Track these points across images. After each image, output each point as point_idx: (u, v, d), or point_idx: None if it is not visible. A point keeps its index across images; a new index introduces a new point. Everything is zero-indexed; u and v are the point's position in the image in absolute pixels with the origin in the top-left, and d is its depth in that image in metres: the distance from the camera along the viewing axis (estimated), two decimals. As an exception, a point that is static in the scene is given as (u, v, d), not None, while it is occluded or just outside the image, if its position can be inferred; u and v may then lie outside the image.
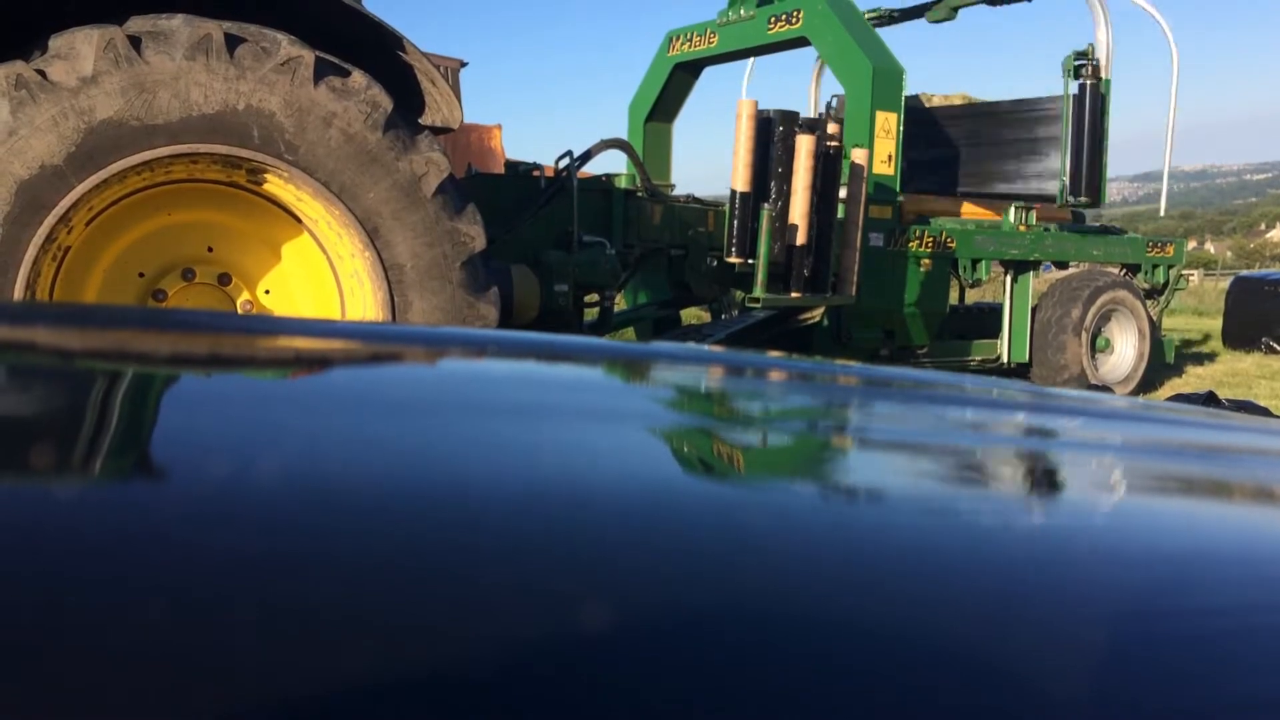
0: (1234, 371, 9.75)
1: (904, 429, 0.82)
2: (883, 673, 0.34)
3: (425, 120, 4.13)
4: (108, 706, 0.27)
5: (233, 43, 3.50)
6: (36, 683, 0.27)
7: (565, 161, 5.77)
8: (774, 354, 1.25)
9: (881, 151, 6.62)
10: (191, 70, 3.44)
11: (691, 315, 8.43)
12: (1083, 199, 7.41)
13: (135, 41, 3.40)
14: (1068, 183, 7.39)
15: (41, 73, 3.33)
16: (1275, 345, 11.23)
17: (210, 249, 3.96)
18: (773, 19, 7.15)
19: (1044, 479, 0.71)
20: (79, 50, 3.37)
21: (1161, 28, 7.66)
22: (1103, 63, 7.30)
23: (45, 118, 3.32)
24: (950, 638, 0.37)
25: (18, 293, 3.35)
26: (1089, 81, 7.26)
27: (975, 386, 1.11)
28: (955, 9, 8.19)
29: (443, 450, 0.56)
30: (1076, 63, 7.31)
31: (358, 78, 3.70)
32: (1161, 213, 9.18)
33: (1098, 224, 9.07)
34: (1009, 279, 7.81)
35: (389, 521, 0.42)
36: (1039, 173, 7.90)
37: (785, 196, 5.68)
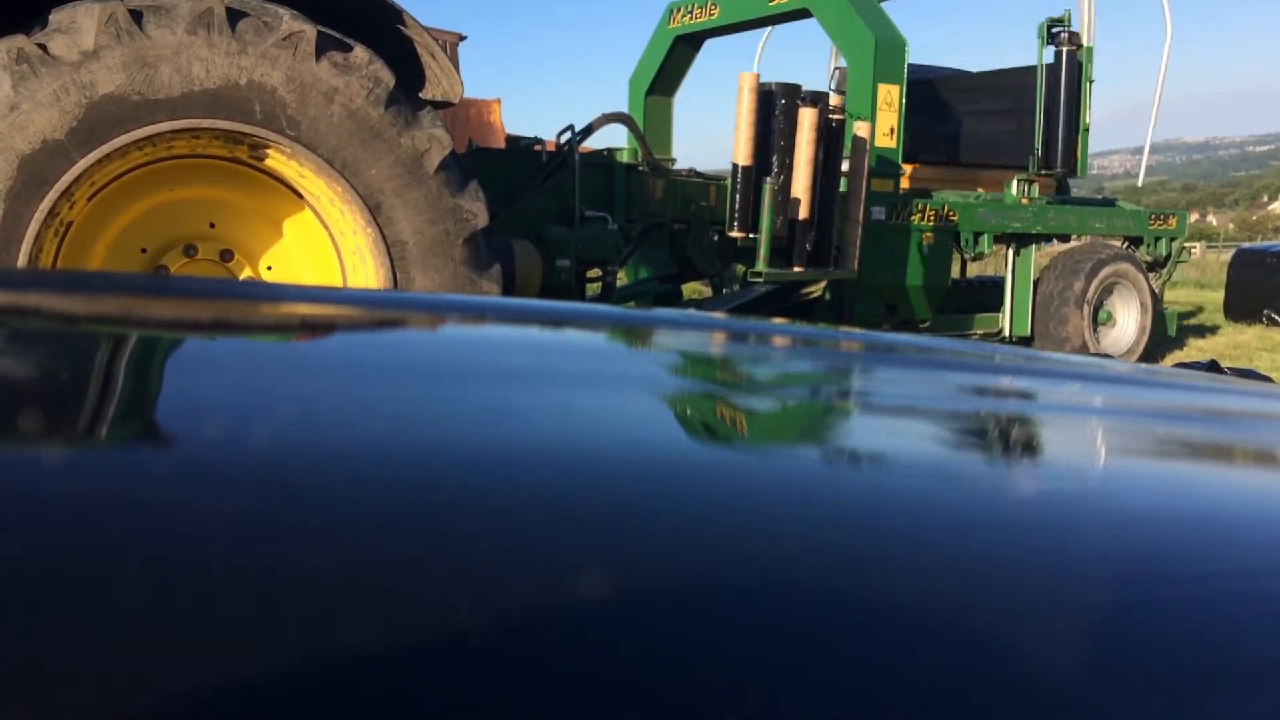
0: (1236, 344, 9.74)
1: (904, 394, 0.82)
2: (879, 635, 0.34)
3: (425, 95, 4.12)
4: (104, 669, 0.27)
5: (234, 17, 3.49)
6: (34, 643, 0.28)
7: (567, 136, 5.75)
8: (777, 321, 1.26)
9: (884, 124, 6.59)
10: (193, 45, 3.43)
11: (693, 290, 8.42)
12: (1058, 170, 7.42)
13: (136, 15, 3.39)
14: (1040, 153, 7.37)
15: (43, 47, 3.32)
16: (1277, 317, 11.21)
17: (212, 225, 3.96)
18: (774, -10, 7.10)
19: (1044, 442, 0.72)
20: (80, 24, 3.36)
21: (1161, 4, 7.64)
22: (1084, 30, 7.29)
23: (47, 92, 3.31)
24: (950, 600, 0.37)
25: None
26: (1065, 49, 7.23)
27: (975, 352, 1.11)
28: None
29: (441, 414, 0.57)
30: (1052, 29, 7.30)
31: (360, 53, 3.68)
32: (1140, 184, 9.22)
33: (1100, 196, 9.06)
34: (1011, 252, 7.80)
35: (387, 487, 0.42)
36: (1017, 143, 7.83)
37: (787, 170, 5.66)
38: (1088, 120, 7.38)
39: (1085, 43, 7.30)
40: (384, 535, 0.37)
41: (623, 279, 6.79)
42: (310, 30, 3.57)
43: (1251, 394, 1.01)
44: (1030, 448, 0.69)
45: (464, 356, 0.79)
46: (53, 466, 0.42)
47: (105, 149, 3.41)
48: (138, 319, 0.84)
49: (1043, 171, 7.46)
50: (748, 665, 0.31)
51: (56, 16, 3.39)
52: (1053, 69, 7.36)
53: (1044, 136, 7.40)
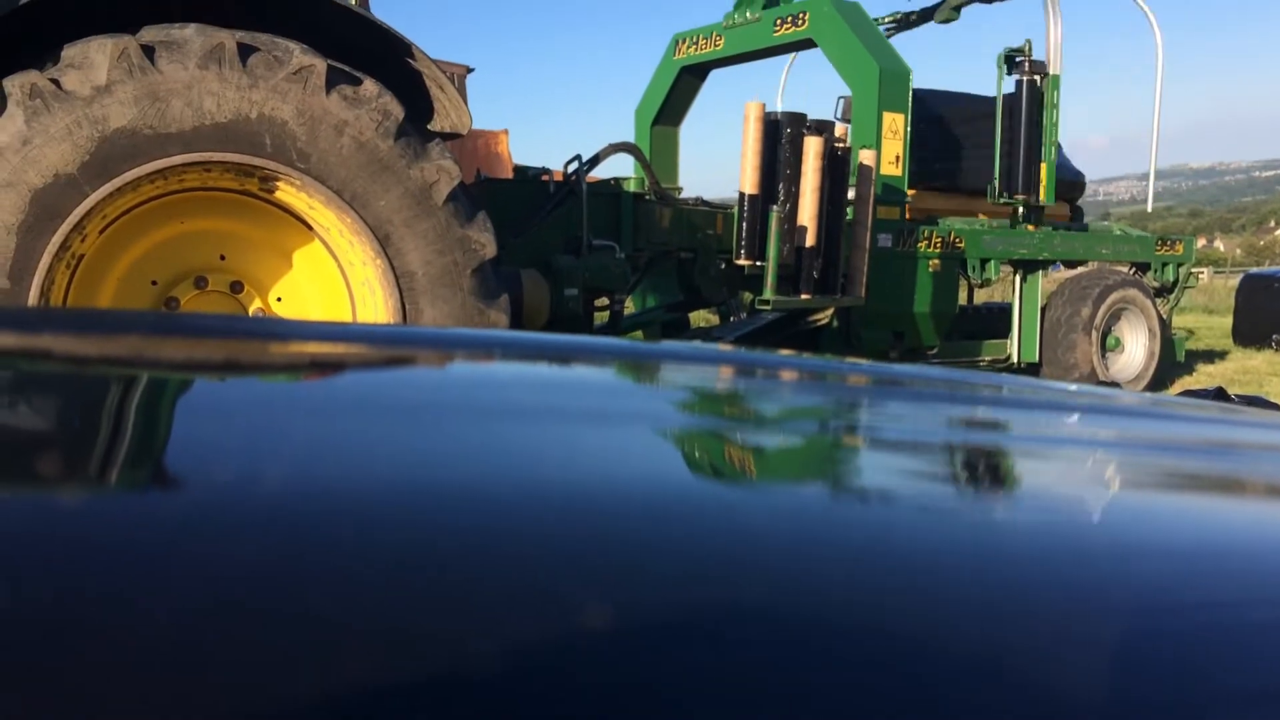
0: (1245, 369, 9.71)
1: (912, 427, 0.83)
2: (893, 667, 0.35)
3: (434, 126, 4.15)
4: (117, 713, 0.27)
5: (245, 52, 3.52)
6: (47, 690, 0.28)
7: (574, 166, 5.79)
8: (784, 352, 1.26)
9: (889, 152, 6.62)
10: (204, 79, 3.47)
11: (700, 318, 8.43)
12: (1019, 197, 7.35)
13: (149, 51, 3.42)
14: (998, 181, 7.36)
15: (56, 82, 3.35)
16: (1286, 343, 11.17)
17: (223, 257, 3.98)
18: (779, 21, 7.15)
19: (1052, 475, 0.72)
20: (93, 60, 3.39)
21: (1152, 29, 7.74)
22: (1051, 58, 7.34)
23: (60, 127, 3.35)
24: (960, 632, 0.38)
25: (32, 300, 3.37)
26: (1026, 77, 7.29)
27: (983, 384, 1.12)
28: (957, 8, 8.24)
29: (451, 453, 0.57)
30: (1013, 58, 7.39)
31: (369, 86, 3.72)
32: (1149, 209, 9.31)
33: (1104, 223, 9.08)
34: (1018, 279, 7.80)
35: (397, 526, 0.42)
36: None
37: (794, 198, 5.68)
38: (1053, 145, 7.38)
39: (1051, 70, 7.33)
40: (391, 574, 0.37)
41: (630, 308, 6.81)
42: (320, 64, 3.60)
43: (1256, 424, 1.01)
44: (1036, 481, 0.70)
45: (472, 394, 0.80)
46: (65, 509, 0.42)
47: (117, 182, 3.44)
48: (148, 360, 0.85)
49: (1003, 199, 7.39)
50: (756, 702, 0.31)
51: (69, 52, 3.43)
52: (1013, 97, 7.38)
53: (1004, 164, 7.36)
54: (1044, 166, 7.35)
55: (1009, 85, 7.43)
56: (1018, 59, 7.34)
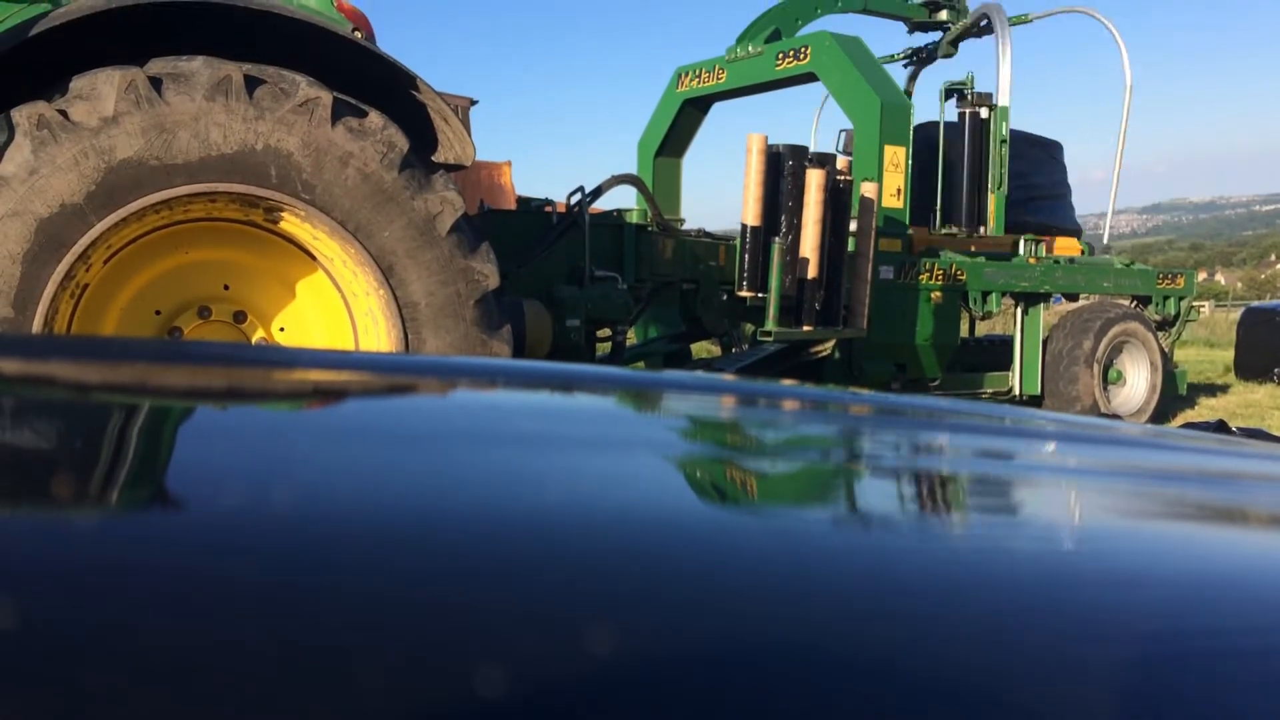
0: (1247, 403, 9.70)
1: (913, 456, 0.83)
2: (890, 693, 0.35)
3: (438, 158, 4.17)
4: None
5: (252, 84, 3.55)
6: (53, 708, 0.28)
7: (577, 197, 5.82)
8: (786, 382, 1.27)
9: (890, 185, 6.66)
10: (211, 111, 3.49)
11: (702, 349, 8.44)
12: (961, 231, 7.52)
13: (156, 82, 3.45)
14: (939, 213, 7.55)
15: (63, 113, 3.38)
16: (1289, 376, 11.16)
17: (227, 287, 3.99)
18: (781, 55, 7.22)
19: (1052, 504, 0.72)
20: (100, 91, 3.42)
21: (1123, 64, 7.88)
22: (1001, 89, 7.50)
23: (66, 157, 3.37)
24: (958, 659, 0.38)
25: (36, 330, 3.38)
26: (969, 110, 7.51)
27: (983, 414, 1.12)
28: (954, 43, 8.35)
29: (453, 480, 0.58)
30: (953, 91, 7.69)
31: (374, 118, 3.75)
32: (1105, 240, 9.33)
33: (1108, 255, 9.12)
34: (1019, 311, 7.81)
35: (399, 551, 0.43)
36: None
37: (796, 230, 5.71)
38: (1001, 175, 7.57)
39: (1000, 102, 7.50)
40: (393, 597, 0.38)
41: (632, 338, 6.83)
42: (326, 96, 3.63)
43: (1256, 455, 1.01)
44: (1037, 509, 0.70)
45: (475, 421, 0.80)
46: (72, 532, 0.43)
47: (122, 212, 3.45)
48: (152, 387, 0.86)
49: (943, 230, 7.56)
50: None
51: (77, 83, 3.46)
52: (956, 129, 7.60)
53: (947, 196, 7.59)
54: (992, 198, 7.53)
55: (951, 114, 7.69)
56: (959, 91, 7.63)
